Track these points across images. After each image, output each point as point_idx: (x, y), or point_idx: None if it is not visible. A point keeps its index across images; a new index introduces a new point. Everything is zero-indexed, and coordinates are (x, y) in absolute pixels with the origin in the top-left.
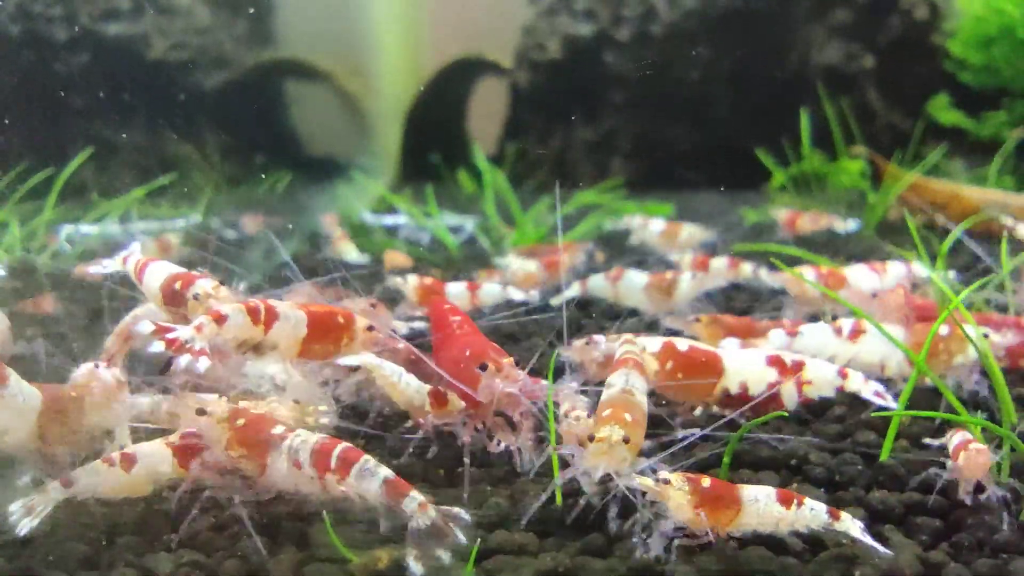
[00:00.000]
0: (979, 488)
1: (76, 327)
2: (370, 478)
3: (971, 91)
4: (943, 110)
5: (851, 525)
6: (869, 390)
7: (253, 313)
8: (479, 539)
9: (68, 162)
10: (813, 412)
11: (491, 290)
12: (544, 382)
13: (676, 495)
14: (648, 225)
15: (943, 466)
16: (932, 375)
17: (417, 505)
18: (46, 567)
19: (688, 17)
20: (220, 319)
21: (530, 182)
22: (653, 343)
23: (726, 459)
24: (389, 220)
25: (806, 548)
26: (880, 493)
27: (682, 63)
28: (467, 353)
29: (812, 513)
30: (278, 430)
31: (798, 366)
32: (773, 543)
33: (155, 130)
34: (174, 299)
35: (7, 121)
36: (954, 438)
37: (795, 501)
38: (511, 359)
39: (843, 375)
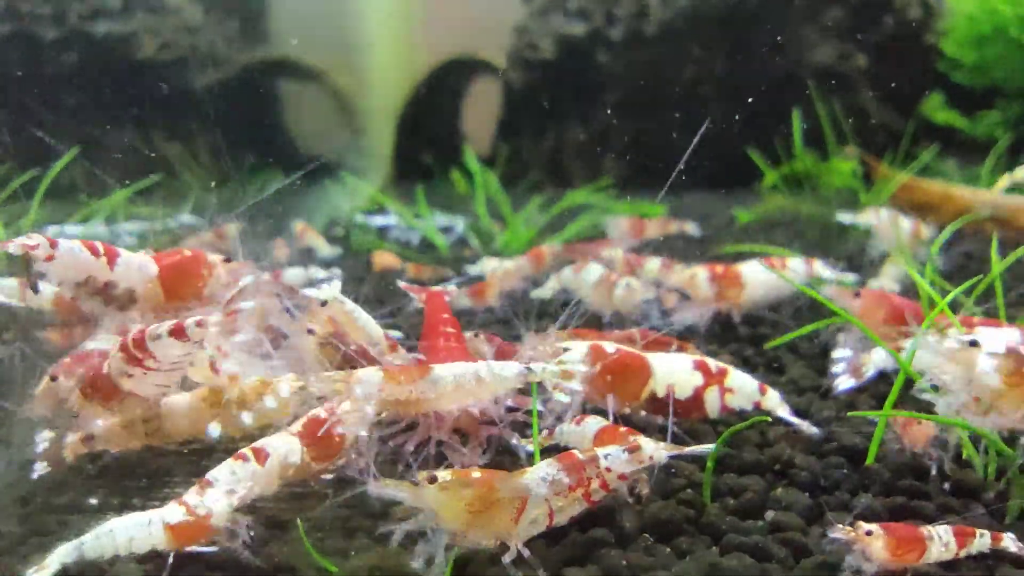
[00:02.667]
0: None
1: None
2: None
3: (964, 91)
4: (937, 109)
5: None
6: (785, 411)
7: (90, 247)
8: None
9: (55, 162)
10: (798, 416)
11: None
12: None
13: (876, 543)
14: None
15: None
16: (915, 374)
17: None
18: None
19: (680, 16)
20: (53, 244)
21: (523, 182)
22: (581, 347)
23: (710, 464)
24: (379, 220)
25: (789, 554)
26: (865, 497)
27: (674, 62)
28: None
29: None
30: None
31: (722, 373)
32: (756, 550)
33: (144, 130)
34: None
35: None
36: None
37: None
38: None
39: (762, 391)
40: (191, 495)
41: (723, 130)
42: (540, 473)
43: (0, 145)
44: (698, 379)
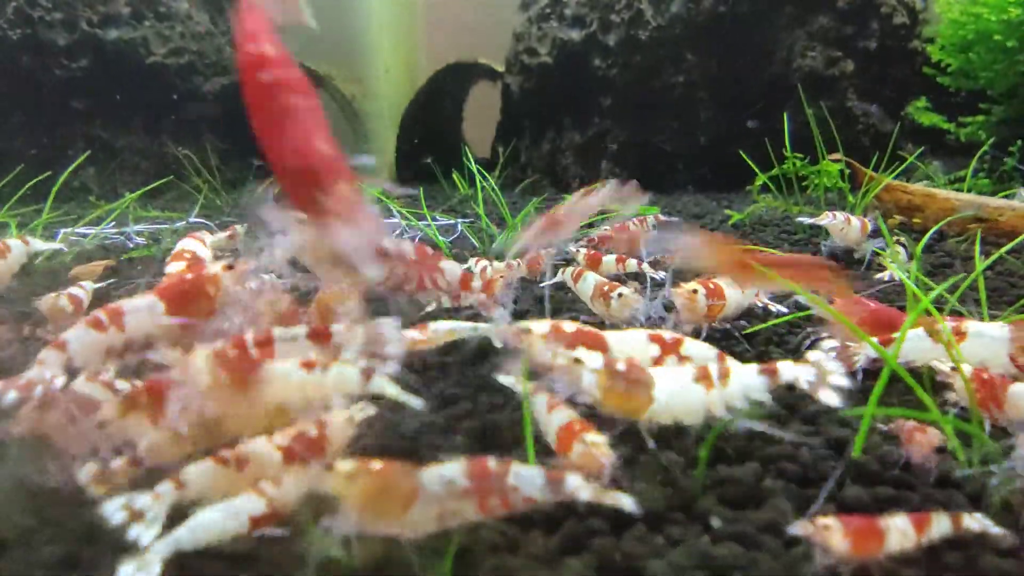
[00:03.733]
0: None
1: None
2: None
3: (949, 96)
4: (923, 112)
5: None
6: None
7: (95, 323)
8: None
9: (67, 165)
10: (787, 407)
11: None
12: None
13: (834, 536)
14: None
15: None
16: (901, 370)
17: None
18: None
19: (674, 23)
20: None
21: (522, 184)
22: (541, 326)
23: (703, 454)
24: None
25: (780, 544)
26: (853, 489)
27: (669, 67)
28: None
29: None
30: None
31: (677, 342)
32: (747, 540)
33: (153, 134)
34: None
35: (7, 124)
36: (905, 425)
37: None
38: None
39: (720, 358)
40: (267, 485)
41: (716, 134)
42: (441, 472)
43: (13, 149)
44: (654, 349)
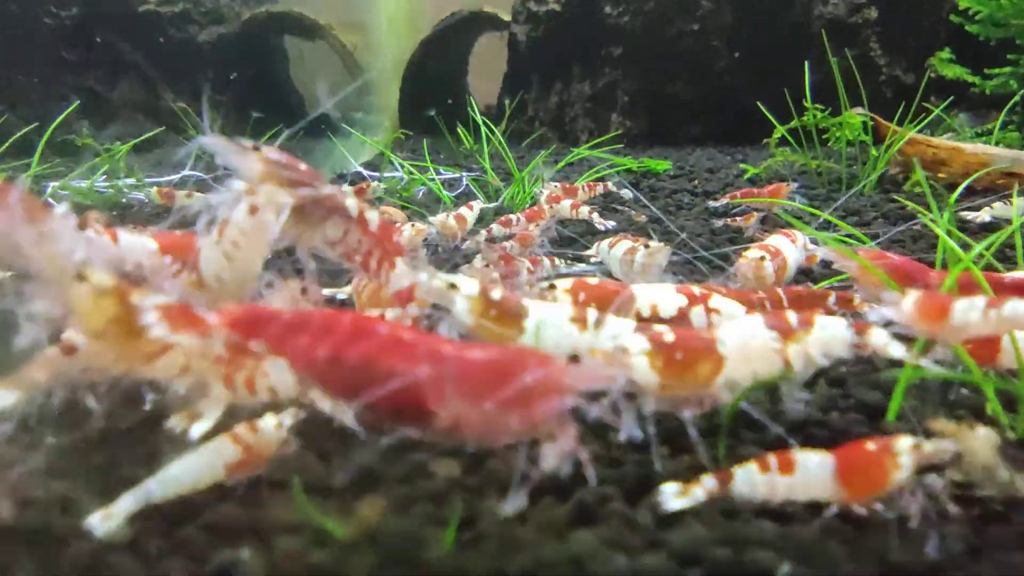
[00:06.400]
0: None
1: None
2: None
3: (977, 45)
4: (946, 64)
5: None
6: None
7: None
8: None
9: (56, 116)
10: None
11: None
12: None
13: None
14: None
15: None
16: (942, 337)
17: None
18: None
19: None
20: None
21: (529, 137)
22: (565, 282)
23: (726, 422)
24: (386, 174)
25: (808, 515)
26: None
27: (682, 14)
28: None
29: None
30: None
31: (706, 296)
32: (772, 512)
33: (147, 84)
34: None
35: None
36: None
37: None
38: None
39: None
40: (243, 430)
41: (731, 85)
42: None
43: (3, 100)
44: (681, 300)
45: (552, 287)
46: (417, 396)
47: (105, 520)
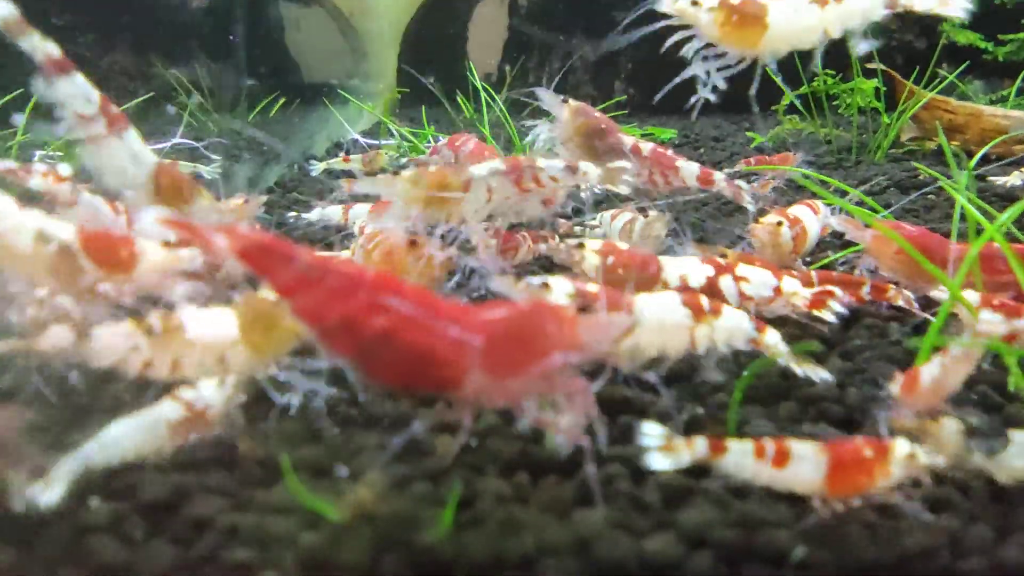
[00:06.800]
0: None
1: None
2: None
3: (991, 10)
4: (958, 30)
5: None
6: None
7: None
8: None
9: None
10: (828, 344)
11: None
12: None
13: None
14: None
15: None
16: (964, 299)
17: None
18: None
19: None
20: None
21: (531, 107)
22: (594, 242)
23: (737, 395)
24: (383, 143)
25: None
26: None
27: None
28: None
29: None
30: None
31: (731, 266)
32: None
33: (141, 53)
34: None
35: None
36: None
37: None
38: None
39: (777, 285)
40: (186, 391)
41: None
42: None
43: None
44: (709, 270)
45: (581, 246)
46: (441, 361)
47: (46, 489)
